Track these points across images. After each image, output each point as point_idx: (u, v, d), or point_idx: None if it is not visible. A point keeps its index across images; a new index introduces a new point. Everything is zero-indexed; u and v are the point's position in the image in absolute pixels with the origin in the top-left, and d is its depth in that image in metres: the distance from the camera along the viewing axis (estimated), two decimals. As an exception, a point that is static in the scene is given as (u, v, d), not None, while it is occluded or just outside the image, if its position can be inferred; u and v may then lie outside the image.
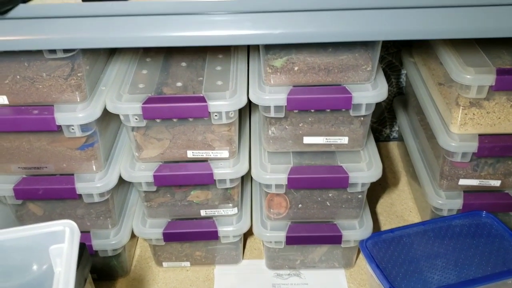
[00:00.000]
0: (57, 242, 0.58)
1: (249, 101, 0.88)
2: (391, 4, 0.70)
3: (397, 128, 1.41)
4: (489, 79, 0.87)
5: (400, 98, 1.32)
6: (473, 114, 0.92)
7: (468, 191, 1.03)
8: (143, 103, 0.84)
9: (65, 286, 0.53)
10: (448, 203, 1.02)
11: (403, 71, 1.30)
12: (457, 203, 1.02)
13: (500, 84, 0.87)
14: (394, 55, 1.27)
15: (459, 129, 0.94)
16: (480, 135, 0.94)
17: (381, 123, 1.39)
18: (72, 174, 0.92)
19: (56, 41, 0.70)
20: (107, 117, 0.90)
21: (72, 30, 0.69)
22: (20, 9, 0.68)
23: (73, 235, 0.57)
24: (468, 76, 0.87)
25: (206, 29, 0.70)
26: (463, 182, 1.01)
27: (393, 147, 1.41)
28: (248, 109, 1.06)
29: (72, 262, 0.53)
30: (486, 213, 1.02)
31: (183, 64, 0.95)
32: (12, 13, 0.68)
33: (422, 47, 1.11)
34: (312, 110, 0.88)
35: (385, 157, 1.36)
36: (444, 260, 0.95)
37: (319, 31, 0.71)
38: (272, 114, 0.87)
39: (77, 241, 0.56)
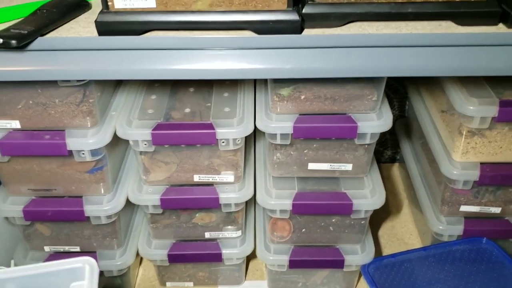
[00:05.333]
0: (76, 278, 0.59)
1: (255, 127, 0.89)
2: (395, 43, 0.72)
3: (399, 150, 1.42)
4: (492, 110, 0.88)
5: (402, 121, 1.34)
6: (475, 143, 0.93)
7: (469, 217, 1.04)
8: (153, 130, 0.85)
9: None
10: (448, 229, 1.03)
11: (406, 95, 1.32)
12: (457, 229, 1.03)
13: (503, 115, 0.88)
14: (397, 80, 1.29)
15: (461, 157, 0.95)
16: (482, 163, 0.95)
17: (383, 145, 1.41)
18: (81, 197, 0.93)
19: (71, 72, 0.72)
20: (116, 141, 0.92)
21: (87, 62, 0.71)
22: (38, 42, 0.70)
23: (92, 272, 0.59)
24: (471, 107, 0.88)
25: (218, 63, 0.72)
26: (464, 208, 1.02)
27: (395, 169, 1.42)
28: (253, 134, 1.07)
29: (93, 299, 0.55)
30: (487, 239, 1.04)
31: (191, 89, 0.97)
32: (31, 46, 0.70)
33: (426, 74, 1.13)
34: (318, 138, 0.90)
35: (386, 179, 1.38)
36: (444, 286, 0.97)
37: (326, 67, 0.72)
38: (278, 141, 0.89)
39: (96, 278, 0.58)
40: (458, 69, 0.73)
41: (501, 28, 0.74)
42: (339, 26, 0.74)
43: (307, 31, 0.72)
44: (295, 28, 0.71)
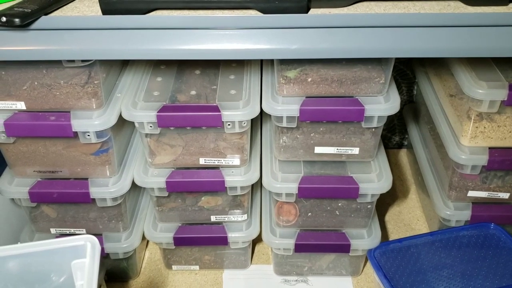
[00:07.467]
0: (78, 256, 0.60)
1: (261, 109, 0.88)
2: (403, 23, 0.71)
3: (406, 136, 1.41)
4: (502, 94, 0.87)
5: (410, 106, 1.32)
6: (484, 127, 0.92)
7: (477, 203, 1.03)
8: (158, 112, 0.85)
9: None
10: (456, 214, 1.03)
11: (414, 80, 1.30)
12: (465, 215, 1.03)
13: (513, 99, 0.87)
14: (405, 64, 1.28)
15: (469, 141, 0.94)
16: (490, 148, 0.94)
17: (391, 130, 1.40)
18: (86, 179, 0.93)
19: (75, 52, 0.71)
20: (121, 123, 0.92)
21: (92, 42, 0.71)
22: (42, 21, 0.69)
23: (94, 250, 0.59)
24: (480, 91, 0.87)
25: (223, 43, 0.71)
26: (472, 193, 1.01)
27: (402, 155, 1.41)
28: (259, 117, 1.07)
29: (94, 276, 0.55)
30: (494, 225, 1.03)
31: (197, 71, 0.96)
32: (34, 25, 0.69)
33: (434, 58, 1.11)
34: (324, 121, 0.89)
35: (394, 164, 1.37)
36: (451, 271, 0.96)
37: (333, 48, 0.71)
38: (285, 124, 0.88)
39: (98, 256, 0.58)
40: (467, 50, 0.72)
41: (511, 8, 0.72)
42: (346, 5, 0.73)
43: (313, 11, 0.71)
44: (302, 7, 0.70)
